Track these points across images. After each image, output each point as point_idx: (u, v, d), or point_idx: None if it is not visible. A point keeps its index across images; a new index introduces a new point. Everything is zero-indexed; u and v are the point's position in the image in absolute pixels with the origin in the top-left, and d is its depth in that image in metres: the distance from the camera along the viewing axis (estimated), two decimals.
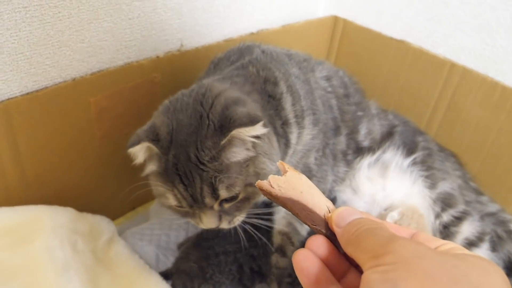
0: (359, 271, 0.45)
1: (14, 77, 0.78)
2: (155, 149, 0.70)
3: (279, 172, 0.49)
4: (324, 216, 0.46)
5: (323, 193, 0.94)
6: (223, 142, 0.67)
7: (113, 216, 1.01)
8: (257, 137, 0.70)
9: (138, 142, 0.69)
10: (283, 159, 0.85)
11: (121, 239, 0.92)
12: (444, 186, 0.98)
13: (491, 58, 1.04)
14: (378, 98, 1.12)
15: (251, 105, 0.73)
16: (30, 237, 0.77)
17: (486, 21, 1.02)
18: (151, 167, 0.73)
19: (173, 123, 0.70)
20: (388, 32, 1.17)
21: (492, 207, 1.02)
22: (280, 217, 0.93)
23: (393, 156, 1.00)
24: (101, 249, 0.87)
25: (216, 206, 0.70)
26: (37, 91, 0.81)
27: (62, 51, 0.82)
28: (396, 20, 1.19)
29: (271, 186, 0.47)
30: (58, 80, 0.84)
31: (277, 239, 0.91)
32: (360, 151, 1.01)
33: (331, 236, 0.45)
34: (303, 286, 0.44)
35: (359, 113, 1.03)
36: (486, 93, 1.02)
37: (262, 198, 0.79)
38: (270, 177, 0.47)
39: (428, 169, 0.99)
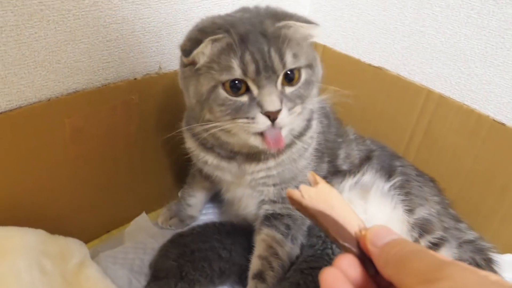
0: None
1: None
2: (218, 37, 0.70)
3: None
4: (355, 234, 0.44)
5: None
6: (278, 24, 0.72)
7: (87, 238, 0.99)
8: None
9: (199, 43, 0.69)
10: None
11: (93, 263, 0.90)
12: (422, 212, 0.98)
13: (467, 87, 1.05)
14: (356, 124, 1.13)
15: None
16: None
17: (462, 50, 1.04)
18: (211, 51, 0.71)
19: (222, 20, 0.74)
20: (366, 59, 1.19)
21: (470, 235, 1.02)
22: (260, 240, 0.92)
23: (372, 179, 1.01)
24: (71, 272, 0.85)
25: (278, 86, 0.70)
26: (10, 110, 0.81)
27: (38, 71, 0.82)
28: (374, 48, 1.21)
29: (302, 196, 0.46)
30: (32, 100, 0.84)
31: (256, 264, 0.89)
32: (339, 173, 1.02)
33: (361, 256, 0.43)
34: None
35: (339, 140, 1.05)
36: (462, 120, 1.03)
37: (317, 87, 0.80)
38: (301, 186, 0.46)
39: (406, 194, 1.00)
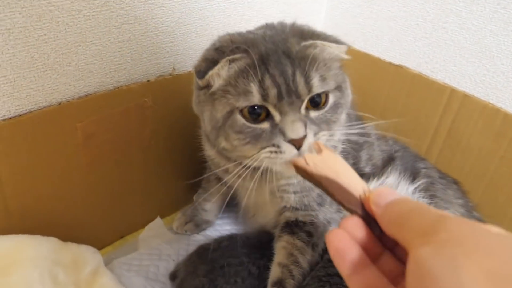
0: (394, 254, 0.45)
1: None
2: (235, 56, 0.65)
3: None
4: (360, 197, 0.46)
5: (329, 223, 0.91)
6: (305, 43, 0.67)
7: (100, 245, 0.97)
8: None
9: (215, 63, 0.65)
10: None
11: (107, 270, 0.88)
12: None
13: (492, 85, 1.01)
14: (377, 124, 1.10)
15: None
16: (9, 269, 0.74)
17: (487, 47, 1.00)
18: (227, 72, 0.66)
19: (241, 38, 0.69)
20: (387, 57, 1.15)
21: None
22: (280, 247, 0.89)
23: (396, 181, 0.98)
24: (85, 281, 0.83)
25: (302, 110, 0.65)
26: (20, 115, 0.78)
27: (48, 75, 0.80)
28: (394, 45, 1.17)
29: (307, 163, 0.48)
30: (43, 104, 0.81)
31: (275, 272, 0.87)
32: (362, 177, 0.98)
33: (366, 217, 0.45)
34: (337, 267, 0.43)
35: (360, 141, 1.01)
36: (487, 120, 0.99)
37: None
38: (306, 154, 0.48)
39: (431, 197, 0.96)
